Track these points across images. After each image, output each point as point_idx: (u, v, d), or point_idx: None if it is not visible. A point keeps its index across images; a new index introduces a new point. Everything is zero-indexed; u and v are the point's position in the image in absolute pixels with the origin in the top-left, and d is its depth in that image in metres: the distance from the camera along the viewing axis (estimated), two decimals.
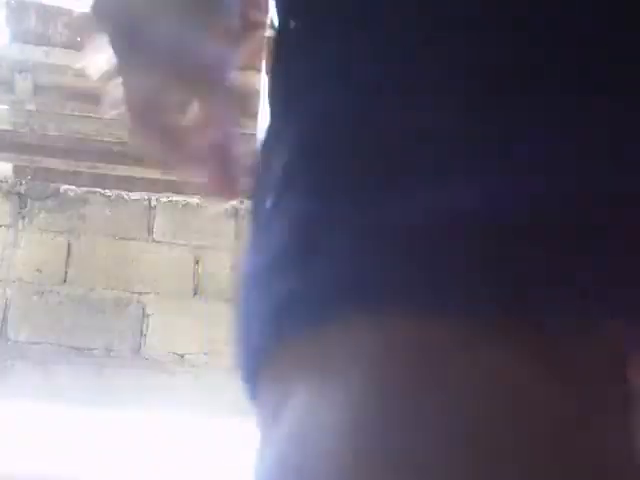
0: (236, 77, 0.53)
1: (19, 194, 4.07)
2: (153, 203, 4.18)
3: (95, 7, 0.53)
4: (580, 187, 0.36)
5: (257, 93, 0.54)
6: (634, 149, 0.38)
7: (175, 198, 4.18)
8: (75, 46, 3.34)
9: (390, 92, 0.41)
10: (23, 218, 4.01)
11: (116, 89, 0.53)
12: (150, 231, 4.09)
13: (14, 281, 3.81)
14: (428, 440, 0.35)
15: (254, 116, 0.51)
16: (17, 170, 3.95)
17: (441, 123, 0.39)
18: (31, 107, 3.45)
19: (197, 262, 4.04)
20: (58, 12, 3.42)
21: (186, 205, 4.20)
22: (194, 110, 0.54)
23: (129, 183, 4.02)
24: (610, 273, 0.36)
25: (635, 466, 0.35)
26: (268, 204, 0.44)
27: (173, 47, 0.51)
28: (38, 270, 3.85)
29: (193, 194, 4.16)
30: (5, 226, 3.96)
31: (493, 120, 0.39)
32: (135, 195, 4.15)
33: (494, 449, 0.34)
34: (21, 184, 4.07)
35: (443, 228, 0.37)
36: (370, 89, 0.42)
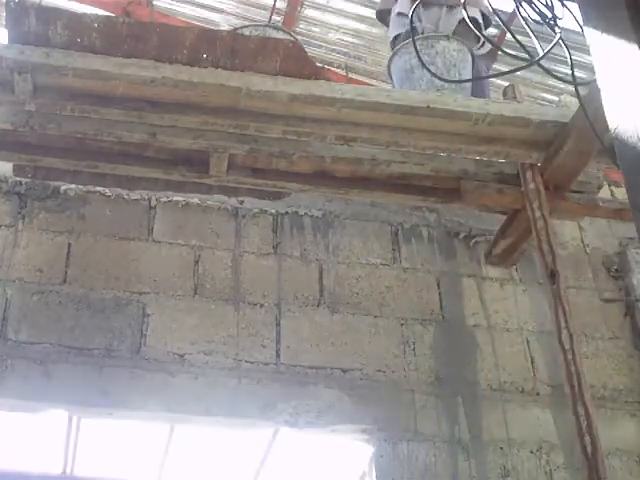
0: None
1: (19, 194, 4.07)
2: (153, 203, 4.18)
3: None
4: None
5: None
6: None
7: (175, 198, 4.19)
8: (74, 47, 3.35)
9: None
10: (23, 218, 4.01)
11: None
12: (150, 231, 4.09)
13: (14, 281, 3.81)
14: None
15: None
16: (17, 170, 3.95)
17: None
18: (31, 107, 3.45)
19: (197, 262, 4.04)
20: (57, 13, 3.43)
21: (186, 205, 4.20)
22: None
23: (129, 183, 4.02)
24: None
25: None
26: None
27: None
28: (38, 270, 3.86)
29: (193, 194, 4.16)
30: (5, 226, 3.96)
31: None
32: (135, 195, 4.15)
33: None
34: (21, 184, 4.08)
35: None
36: None
